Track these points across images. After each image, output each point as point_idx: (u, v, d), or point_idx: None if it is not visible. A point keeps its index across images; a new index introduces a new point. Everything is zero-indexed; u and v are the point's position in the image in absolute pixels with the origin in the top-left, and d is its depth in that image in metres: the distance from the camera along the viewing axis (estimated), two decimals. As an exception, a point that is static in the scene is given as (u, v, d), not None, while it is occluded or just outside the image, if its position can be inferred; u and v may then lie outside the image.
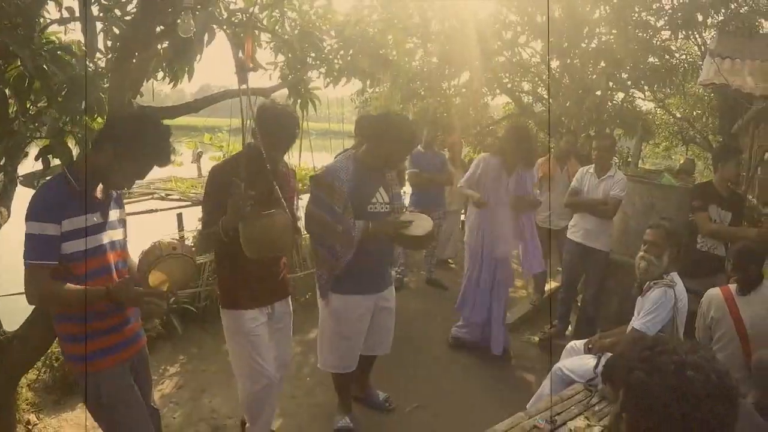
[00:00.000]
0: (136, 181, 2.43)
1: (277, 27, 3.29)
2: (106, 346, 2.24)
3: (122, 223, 2.41)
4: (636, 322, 3.10)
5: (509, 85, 10.41)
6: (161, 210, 5.53)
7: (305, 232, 3.30)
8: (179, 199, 5.84)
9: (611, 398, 1.35)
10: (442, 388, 4.22)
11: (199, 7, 2.40)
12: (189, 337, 4.74)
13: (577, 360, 3.22)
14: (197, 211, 6.14)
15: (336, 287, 3.21)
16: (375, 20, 3.56)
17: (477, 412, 3.84)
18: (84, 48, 2.63)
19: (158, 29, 2.74)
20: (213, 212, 2.67)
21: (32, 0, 2.29)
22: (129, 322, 2.35)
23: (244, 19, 3.10)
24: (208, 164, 7.28)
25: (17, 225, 2.43)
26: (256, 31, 3.12)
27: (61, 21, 2.84)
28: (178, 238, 2.18)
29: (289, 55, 3.37)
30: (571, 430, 2.45)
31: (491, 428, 2.47)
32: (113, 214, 2.29)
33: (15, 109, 2.52)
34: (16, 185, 2.85)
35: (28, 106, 2.40)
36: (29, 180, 2.90)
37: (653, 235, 3.25)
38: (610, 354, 3.04)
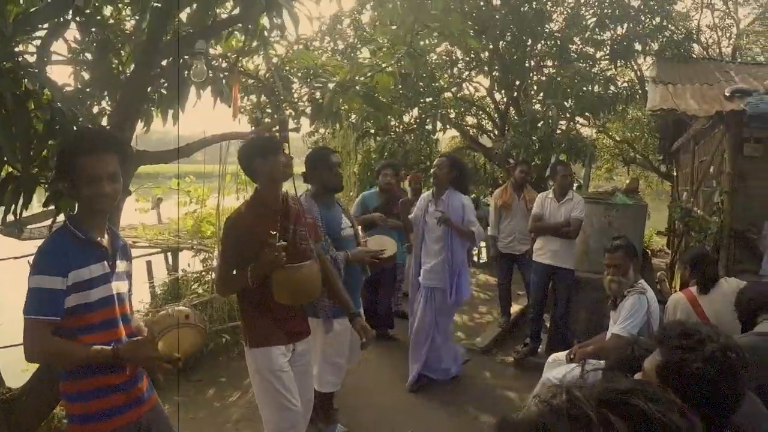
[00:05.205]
0: None
1: (258, 72, 3.43)
2: (109, 407, 2.06)
3: (128, 276, 2.28)
4: (615, 328, 3.31)
5: (455, 120, 10.80)
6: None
7: None
8: (147, 246, 5.78)
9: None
10: (426, 417, 4.25)
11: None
12: (170, 387, 4.67)
13: (564, 369, 3.38)
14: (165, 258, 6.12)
15: (335, 314, 3.44)
16: (365, 64, 3.67)
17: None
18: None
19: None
20: (231, 265, 2.74)
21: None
22: (138, 381, 2.16)
23: (225, 65, 3.23)
24: (168, 210, 7.24)
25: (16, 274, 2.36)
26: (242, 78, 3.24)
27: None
28: (190, 306, 2.15)
29: (270, 98, 3.51)
30: None
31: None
32: (120, 266, 2.17)
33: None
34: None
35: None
36: (10, 229, 2.84)
37: (615, 259, 3.42)
38: (593, 360, 3.21)
